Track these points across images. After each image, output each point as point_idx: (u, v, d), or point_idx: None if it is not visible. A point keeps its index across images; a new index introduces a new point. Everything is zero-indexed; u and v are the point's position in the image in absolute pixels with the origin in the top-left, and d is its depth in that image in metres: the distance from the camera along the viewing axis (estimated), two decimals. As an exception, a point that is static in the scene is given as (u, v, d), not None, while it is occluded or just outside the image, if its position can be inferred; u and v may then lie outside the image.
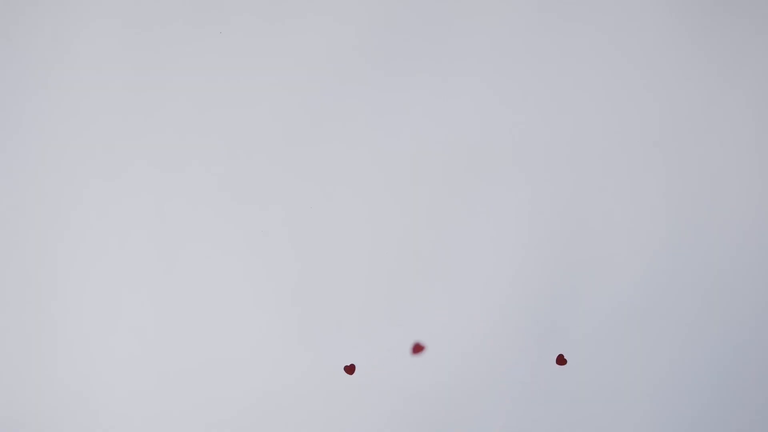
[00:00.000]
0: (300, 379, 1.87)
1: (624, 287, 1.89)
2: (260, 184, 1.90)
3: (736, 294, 1.89)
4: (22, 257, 1.87)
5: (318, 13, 1.91)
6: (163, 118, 1.90)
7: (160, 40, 1.90)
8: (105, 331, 1.87)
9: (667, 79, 1.92)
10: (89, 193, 1.89)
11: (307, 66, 1.92)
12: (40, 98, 1.90)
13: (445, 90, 1.92)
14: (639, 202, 1.90)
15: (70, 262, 1.88)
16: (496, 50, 1.92)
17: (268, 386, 1.87)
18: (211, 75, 1.91)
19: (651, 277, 1.89)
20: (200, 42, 1.91)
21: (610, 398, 1.87)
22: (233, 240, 1.88)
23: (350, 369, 1.85)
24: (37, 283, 1.87)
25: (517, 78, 1.92)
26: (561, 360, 1.87)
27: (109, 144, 1.90)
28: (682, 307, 1.89)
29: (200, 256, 1.88)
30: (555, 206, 1.90)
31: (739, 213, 1.90)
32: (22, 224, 1.88)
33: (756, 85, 1.92)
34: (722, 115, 1.92)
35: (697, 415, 1.87)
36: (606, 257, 1.89)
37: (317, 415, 1.87)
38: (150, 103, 1.90)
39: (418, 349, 1.65)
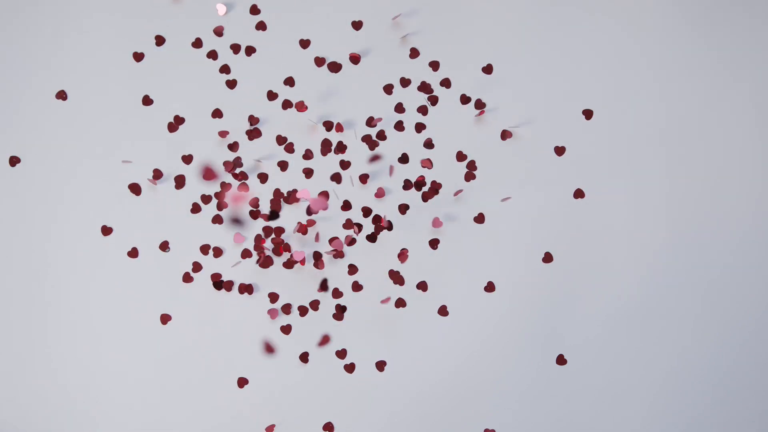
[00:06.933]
0: (300, 381, 1.87)
1: (624, 289, 1.89)
2: (260, 184, 1.90)
3: (736, 297, 1.89)
4: (22, 265, 1.87)
5: (321, 4, 1.92)
6: (163, 112, 1.90)
7: (160, 33, 1.90)
8: (104, 333, 1.87)
9: (668, 78, 1.92)
10: (91, 194, 1.89)
11: (307, 60, 1.92)
12: (39, 92, 1.90)
13: (444, 92, 1.92)
14: (639, 204, 1.90)
15: (73, 267, 1.88)
16: (497, 48, 1.92)
17: (268, 390, 1.87)
18: (210, 70, 1.91)
19: (651, 280, 1.89)
20: (200, 33, 1.91)
21: (611, 399, 1.87)
22: (234, 245, 1.88)
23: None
24: (38, 291, 1.87)
25: (517, 78, 1.92)
26: (561, 360, 1.87)
27: (110, 139, 1.90)
28: (682, 309, 1.89)
29: (202, 262, 1.89)
30: (556, 208, 1.90)
31: (739, 217, 1.91)
32: (23, 228, 1.88)
33: (759, 84, 1.92)
34: (723, 117, 1.92)
35: (697, 414, 1.88)
36: (607, 259, 1.89)
37: (318, 416, 1.87)
38: (150, 97, 1.90)
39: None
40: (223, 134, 1.85)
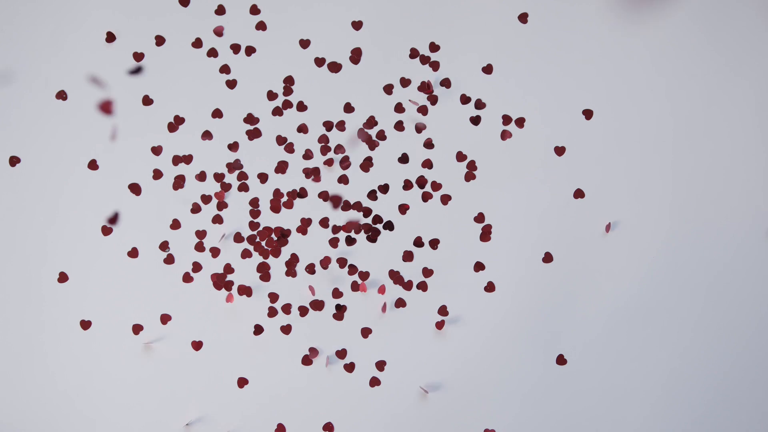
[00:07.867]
0: (300, 381, 1.87)
1: (624, 289, 1.89)
2: (260, 184, 1.90)
3: (737, 297, 1.89)
4: (22, 265, 1.87)
5: (322, 1, 1.92)
6: (163, 110, 1.90)
7: (160, 33, 1.91)
8: (103, 333, 1.87)
9: (669, 78, 1.92)
10: (91, 194, 1.89)
11: (306, 55, 1.92)
12: (39, 92, 1.90)
13: (441, 94, 1.92)
14: (639, 204, 1.90)
15: (72, 267, 1.88)
16: (497, 48, 1.92)
17: (268, 390, 1.87)
18: (210, 70, 1.91)
19: (651, 280, 1.89)
20: (200, 33, 1.91)
21: (611, 399, 1.87)
22: (234, 247, 1.88)
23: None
24: (37, 291, 1.87)
25: (517, 76, 1.92)
26: (561, 361, 1.87)
27: (110, 139, 1.90)
28: (682, 309, 1.89)
29: (203, 261, 1.89)
30: (556, 208, 1.90)
31: (740, 217, 1.90)
32: (22, 228, 1.88)
33: (761, 83, 1.92)
34: (725, 117, 1.92)
35: (697, 415, 1.87)
36: (607, 259, 1.89)
37: (318, 417, 1.87)
38: (150, 96, 1.90)
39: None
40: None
